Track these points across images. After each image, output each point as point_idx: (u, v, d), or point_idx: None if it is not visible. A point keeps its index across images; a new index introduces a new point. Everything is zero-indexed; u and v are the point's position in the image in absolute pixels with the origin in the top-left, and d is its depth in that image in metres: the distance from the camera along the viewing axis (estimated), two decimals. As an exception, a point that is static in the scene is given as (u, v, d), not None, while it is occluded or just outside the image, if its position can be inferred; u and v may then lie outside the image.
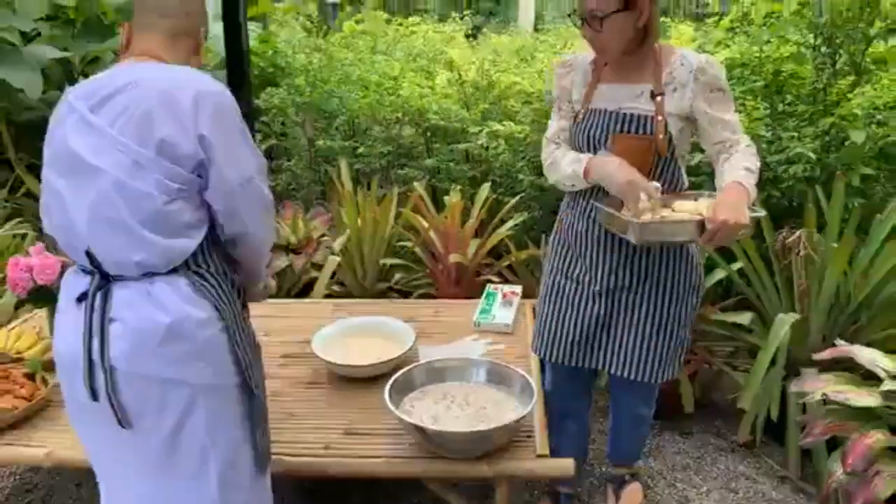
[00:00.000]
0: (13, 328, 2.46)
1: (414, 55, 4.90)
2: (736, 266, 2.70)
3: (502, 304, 2.58)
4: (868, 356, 2.06)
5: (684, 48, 1.90)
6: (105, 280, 1.37)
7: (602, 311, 1.95)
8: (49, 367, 2.13)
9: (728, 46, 3.31)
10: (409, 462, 1.79)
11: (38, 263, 2.12)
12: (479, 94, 3.92)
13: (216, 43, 3.97)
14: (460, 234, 3.18)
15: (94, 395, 1.36)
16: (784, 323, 2.36)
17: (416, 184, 3.55)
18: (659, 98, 1.79)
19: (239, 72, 3.47)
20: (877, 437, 1.88)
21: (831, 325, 2.50)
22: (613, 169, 1.76)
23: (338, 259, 3.23)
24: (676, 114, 1.80)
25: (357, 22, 6.00)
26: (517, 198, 3.31)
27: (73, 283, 1.41)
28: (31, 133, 3.95)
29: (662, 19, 2.05)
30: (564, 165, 1.89)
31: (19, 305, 2.76)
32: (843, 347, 2.13)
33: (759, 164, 1.78)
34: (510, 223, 3.24)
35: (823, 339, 2.48)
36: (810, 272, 2.47)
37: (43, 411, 2.02)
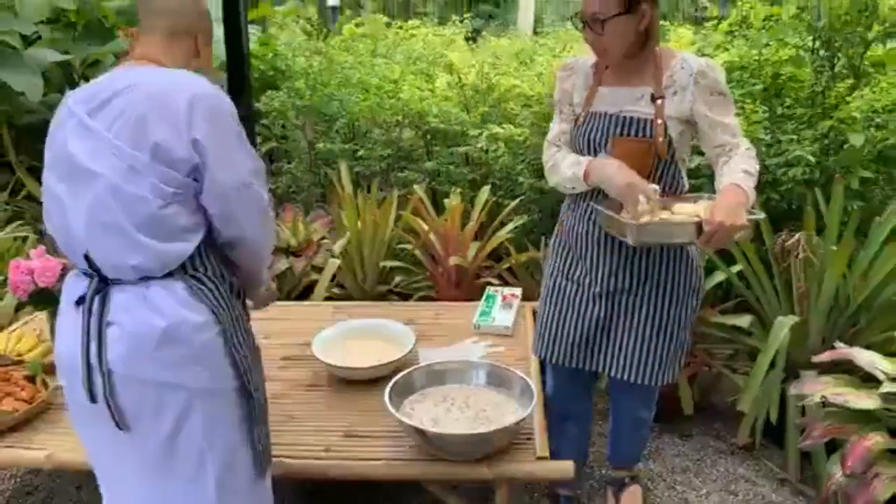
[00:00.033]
0: (14, 331, 2.47)
1: (414, 58, 4.91)
2: (735, 269, 2.71)
3: (502, 307, 2.59)
4: (867, 358, 2.07)
5: (685, 52, 1.91)
6: (103, 283, 1.37)
7: (602, 314, 1.96)
8: (49, 369, 2.14)
9: (727, 50, 3.32)
10: (410, 464, 1.79)
11: (38, 266, 2.12)
12: (478, 97, 3.93)
13: (216, 46, 3.97)
14: (460, 237, 3.18)
15: (93, 398, 1.37)
16: (783, 325, 2.36)
17: (416, 186, 3.56)
18: (659, 101, 1.80)
19: (239, 75, 3.47)
20: (876, 440, 1.89)
21: (830, 327, 2.51)
22: (612, 171, 1.77)
23: (338, 262, 3.24)
24: (676, 117, 1.80)
25: (357, 25, 6.01)
26: (517, 200, 3.32)
27: (73, 286, 1.42)
28: (32, 136, 3.95)
29: (662, 23, 2.06)
30: (565, 168, 1.90)
31: (19, 308, 2.76)
32: (843, 350, 2.13)
33: (758, 167, 1.78)
34: (510, 226, 3.24)
35: (823, 341, 2.49)
36: (809, 275, 2.48)
37: (43, 414, 2.03)
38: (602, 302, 1.96)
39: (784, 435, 2.44)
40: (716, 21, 3.45)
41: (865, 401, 1.97)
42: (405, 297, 3.32)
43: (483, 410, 1.87)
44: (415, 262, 3.35)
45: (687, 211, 1.75)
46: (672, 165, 1.86)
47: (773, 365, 2.37)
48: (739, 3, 3.24)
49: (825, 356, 2.14)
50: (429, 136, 3.94)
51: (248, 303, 1.78)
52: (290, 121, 4.41)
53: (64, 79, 4.13)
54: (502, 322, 2.48)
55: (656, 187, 1.75)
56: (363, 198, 3.44)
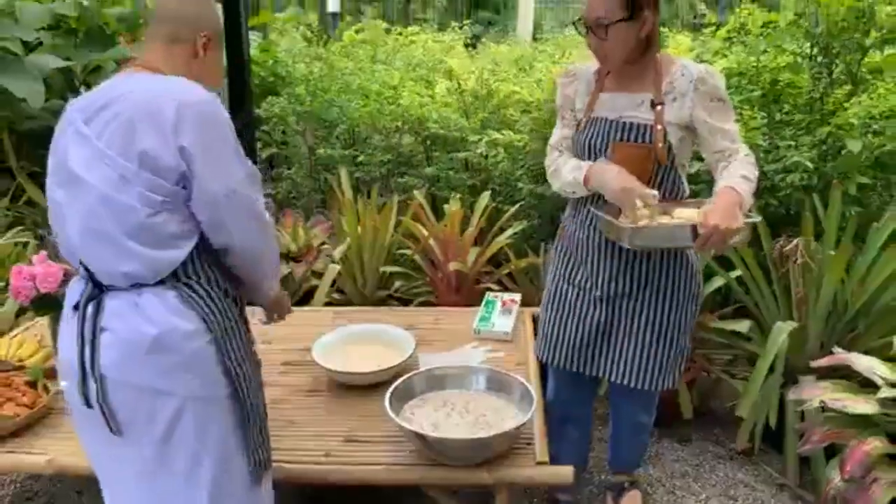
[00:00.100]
0: (15, 336, 2.47)
1: (414, 64, 4.94)
2: (734, 274, 2.72)
3: (502, 312, 2.59)
4: (866, 364, 2.08)
5: (684, 58, 1.93)
6: (97, 289, 1.39)
7: (603, 318, 1.97)
8: (50, 374, 2.15)
9: (725, 56, 3.33)
10: (410, 469, 1.80)
11: (40, 272, 2.13)
12: (478, 103, 3.94)
13: (218, 52, 3.99)
14: (460, 243, 3.19)
15: (88, 402, 1.38)
16: (782, 331, 2.37)
17: (415, 192, 3.57)
18: (659, 107, 1.81)
19: (240, 81, 3.49)
20: (874, 445, 1.90)
21: (829, 332, 2.52)
22: (611, 176, 1.79)
23: (338, 267, 3.25)
24: (676, 123, 1.82)
25: (357, 31, 6.04)
26: (516, 206, 3.32)
27: (73, 291, 1.44)
28: (33, 142, 3.97)
29: (660, 30, 2.07)
30: (566, 173, 1.92)
31: (20, 313, 2.77)
32: (841, 355, 2.15)
33: (756, 172, 1.79)
34: (509, 231, 3.25)
35: (821, 346, 2.50)
36: (808, 280, 2.48)
37: (44, 419, 2.03)
38: (603, 306, 1.97)
39: (783, 440, 2.44)
40: (714, 28, 3.46)
41: (864, 406, 1.98)
42: (405, 302, 3.33)
43: (483, 415, 1.87)
44: (415, 267, 3.36)
45: (687, 216, 1.76)
46: (672, 171, 1.88)
47: (771, 370, 2.37)
48: (737, 10, 3.25)
49: (824, 361, 2.15)
50: (428, 142, 3.95)
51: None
52: (291, 126, 4.43)
53: (65, 85, 4.15)
54: (502, 327, 2.48)
55: (655, 192, 1.76)
56: (363, 203, 3.45)
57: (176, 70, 1.45)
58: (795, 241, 2.50)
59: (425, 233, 3.24)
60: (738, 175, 1.73)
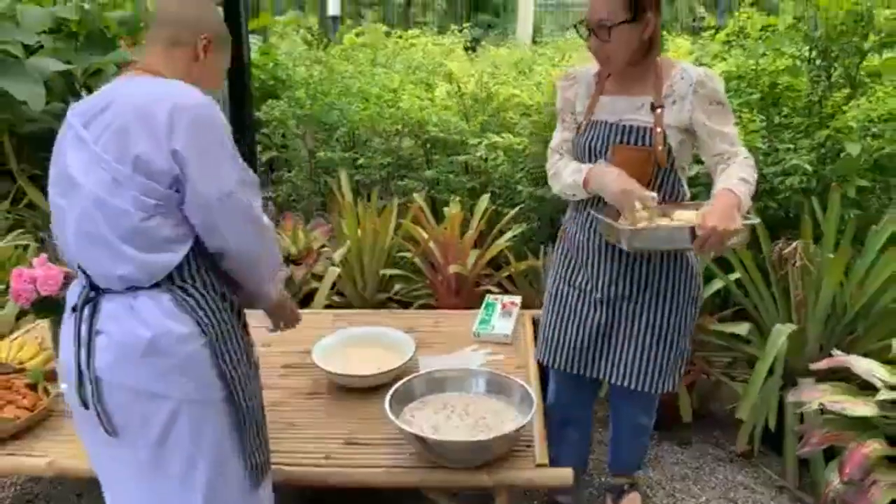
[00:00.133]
0: (15, 339, 2.47)
1: (413, 68, 4.94)
2: (733, 277, 2.72)
3: (501, 315, 2.60)
4: (865, 366, 2.08)
5: (684, 62, 1.94)
6: (94, 292, 1.39)
7: (603, 320, 1.98)
8: (51, 377, 2.16)
9: (724, 59, 3.34)
10: (410, 472, 1.80)
11: (41, 275, 2.13)
12: (478, 106, 3.95)
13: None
14: (460, 245, 3.20)
15: (85, 404, 1.39)
16: (781, 333, 2.37)
17: (415, 195, 3.57)
18: (658, 110, 1.82)
19: (240, 84, 3.51)
20: (873, 447, 1.90)
21: (828, 335, 2.52)
22: (611, 179, 1.79)
23: (338, 270, 3.25)
24: (676, 126, 1.83)
25: (357, 35, 6.05)
26: (516, 209, 3.33)
27: (73, 294, 1.45)
28: (34, 145, 3.97)
29: (661, 32, 2.09)
30: (566, 175, 1.93)
31: (21, 316, 2.77)
32: (840, 357, 2.15)
33: (755, 175, 1.80)
34: (509, 234, 3.26)
35: (820, 349, 2.50)
36: (807, 283, 2.49)
37: (45, 421, 2.03)
38: (603, 308, 1.98)
39: (782, 442, 2.45)
40: (713, 31, 3.47)
41: (863, 408, 1.98)
42: (405, 305, 3.33)
43: (483, 418, 1.88)
44: (414, 270, 3.36)
45: (686, 218, 1.76)
46: (672, 174, 1.88)
47: (771, 372, 2.38)
48: (737, 14, 3.26)
49: (823, 364, 2.15)
50: (428, 145, 3.96)
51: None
52: (291, 130, 4.44)
53: (66, 88, 4.15)
54: (502, 330, 2.49)
55: (653, 194, 1.77)
56: (363, 206, 3.46)
57: (176, 73, 1.45)
58: (794, 244, 2.51)
59: (425, 235, 3.25)
60: (735, 177, 1.73)
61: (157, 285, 1.37)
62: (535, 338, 2.36)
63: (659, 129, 1.81)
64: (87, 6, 4.30)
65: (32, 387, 2.12)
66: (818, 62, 2.99)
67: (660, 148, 1.82)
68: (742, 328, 2.61)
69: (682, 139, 1.85)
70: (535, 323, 2.48)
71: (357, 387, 2.16)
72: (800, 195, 2.80)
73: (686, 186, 1.97)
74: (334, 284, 3.25)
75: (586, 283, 2.00)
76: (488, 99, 3.92)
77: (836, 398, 2.06)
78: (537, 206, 3.32)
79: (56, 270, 2.17)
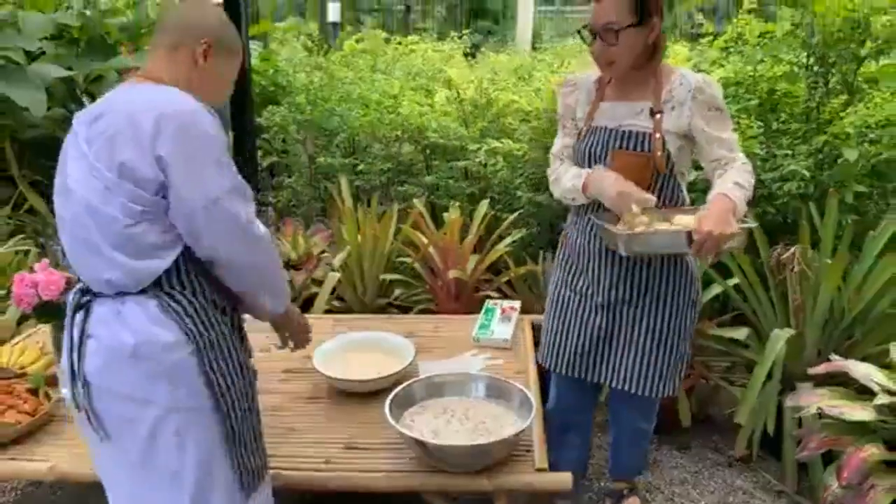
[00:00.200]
0: (16, 344, 2.48)
1: (413, 74, 4.96)
2: (732, 282, 2.73)
3: (501, 320, 2.60)
4: (863, 371, 2.09)
5: (683, 68, 1.95)
6: (87, 297, 1.41)
7: (604, 324, 1.99)
8: (52, 382, 2.16)
9: (723, 66, 3.35)
10: (410, 476, 1.80)
11: (43, 279, 2.15)
12: (477, 112, 3.96)
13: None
14: (459, 250, 3.21)
15: (78, 407, 1.42)
16: (779, 338, 2.38)
17: (415, 200, 3.58)
18: (657, 116, 1.83)
19: (240, 90, 3.52)
20: (871, 451, 1.90)
21: (826, 340, 2.53)
22: (609, 183, 1.81)
23: (338, 275, 3.26)
24: (674, 132, 1.84)
25: (357, 41, 6.05)
26: (515, 214, 3.34)
27: (71, 298, 1.47)
28: (35, 150, 3.99)
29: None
30: (566, 181, 1.95)
31: (22, 321, 2.78)
32: (838, 362, 2.16)
33: (752, 180, 1.81)
34: (508, 239, 3.27)
35: (818, 353, 2.51)
36: (805, 288, 2.50)
37: (46, 426, 2.04)
38: (604, 312, 1.99)
39: (781, 446, 2.45)
40: (711, 37, 3.48)
41: (861, 413, 1.99)
42: (405, 310, 3.34)
43: (482, 422, 1.88)
44: (414, 275, 3.37)
45: (686, 223, 1.77)
46: (671, 179, 1.89)
47: (769, 377, 2.39)
48: (735, 20, 3.28)
49: (821, 368, 2.16)
50: (428, 151, 3.97)
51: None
52: (291, 135, 4.45)
53: (67, 94, 4.17)
54: (501, 335, 2.49)
55: (652, 196, 1.78)
56: (363, 212, 3.47)
57: (177, 78, 1.45)
58: (792, 249, 2.52)
59: (425, 241, 3.26)
60: (731, 182, 1.75)
61: (144, 291, 1.38)
62: (535, 342, 2.36)
63: (658, 135, 1.83)
64: (88, 13, 4.33)
65: (33, 391, 2.13)
66: (816, 68, 3.01)
67: (659, 153, 1.83)
68: (741, 333, 2.62)
69: (680, 145, 1.86)
70: (535, 328, 2.49)
71: (357, 391, 2.17)
72: (798, 201, 2.81)
73: (686, 192, 1.98)
74: (334, 289, 3.26)
75: (587, 288, 2.02)
76: (488, 105, 3.93)
77: (834, 403, 2.06)
78: (536, 211, 3.33)
79: (57, 275, 2.18)
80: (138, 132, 1.31)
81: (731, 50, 3.33)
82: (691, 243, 1.67)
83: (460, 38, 6.14)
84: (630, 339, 1.99)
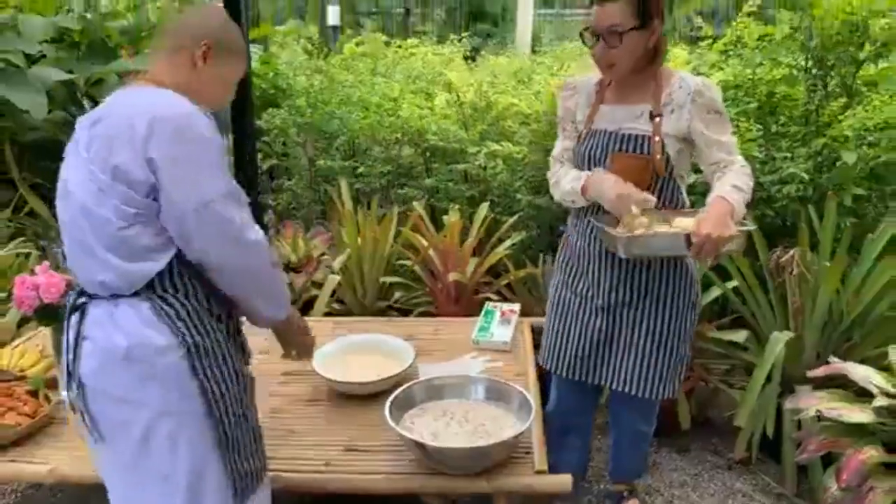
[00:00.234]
0: (16, 346, 2.48)
1: (413, 77, 4.96)
2: (731, 284, 2.74)
3: (501, 322, 2.61)
4: (862, 373, 2.09)
5: (683, 71, 1.96)
6: (84, 298, 1.42)
7: (604, 326, 2.00)
8: (52, 384, 2.16)
9: (722, 69, 3.36)
10: (409, 478, 1.81)
11: (43, 282, 2.14)
12: (477, 114, 3.97)
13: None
14: (459, 253, 3.21)
15: (73, 408, 1.43)
16: (779, 341, 2.38)
17: (415, 203, 3.59)
18: (657, 119, 1.84)
19: (241, 93, 3.51)
20: (870, 453, 1.91)
21: (825, 342, 2.53)
22: (608, 185, 1.82)
23: (338, 278, 3.26)
24: (674, 135, 1.85)
25: (357, 44, 6.07)
26: (515, 217, 3.35)
27: (69, 301, 1.48)
28: (35, 153, 4.00)
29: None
30: (565, 183, 1.96)
31: (22, 323, 2.78)
32: (837, 365, 2.16)
33: (751, 183, 1.82)
34: (508, 242, 3.27)
35: (817, 356, 2.51)
36: (804, 290, 2.50)
37: (46, 428, 2.04)
38: (604, 315, 2.00)
39: (780, 449, 2.46)
40: (710, 40, 3.49)
41: (860, 415, 1.99)
42: (405, 312, 3.34)
43: (482, 425, 1.88)
44: (414, 277, 3.37)
45: (685, 225, 1.78)
46: (671, 182, 1.90)
47: (768, 380, 2.39)
48: (734, 23, 3.28)
49: (820, 371, 2.17)
50: (428, 154, 3.98)
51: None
52: (291, 138, 4.45)
53: (67, 97, 4.18)
54: (501, 337, 2.50)
55: (651, 197, 1.79)
56: (363, 214, 3.48)
57: (178, 81, 1.45)
58: (791, 252, 2.52)
59: (425, 243, 3.26)
60: (729, 185, 1.75)
61: (137, 293, 1.38)
62: (535, 345, 2.37)
63: (657, 138, 1.83)
64: (88, 16, 4.34)
65: (33, 394, 2.13)
66: (814, 72, 3.02)
67: (658, 156, 1.84)
68: (740, 336, 2.62)
69: (680, 148, 1.87)
70: (534, 330, 2.50)
71: (357, 394, 2.17)
72: (796, 203, 2.81)
73: (685, 195, 1.98)
74: (334, 292, 3.26)
75: (587, 290, 2.02)
76: (487, 108, 3.94)
77: (833, 405, 2.06)
78: (536, 214, 3.33)
79: (58, 278, 2.18)
80: (131, 136, 1.31)
81: (731, 53, 3.34)
82: (690, 246, 1.68)
83: (460, 41, 6.15)
84: (630, 341, 1.99)
